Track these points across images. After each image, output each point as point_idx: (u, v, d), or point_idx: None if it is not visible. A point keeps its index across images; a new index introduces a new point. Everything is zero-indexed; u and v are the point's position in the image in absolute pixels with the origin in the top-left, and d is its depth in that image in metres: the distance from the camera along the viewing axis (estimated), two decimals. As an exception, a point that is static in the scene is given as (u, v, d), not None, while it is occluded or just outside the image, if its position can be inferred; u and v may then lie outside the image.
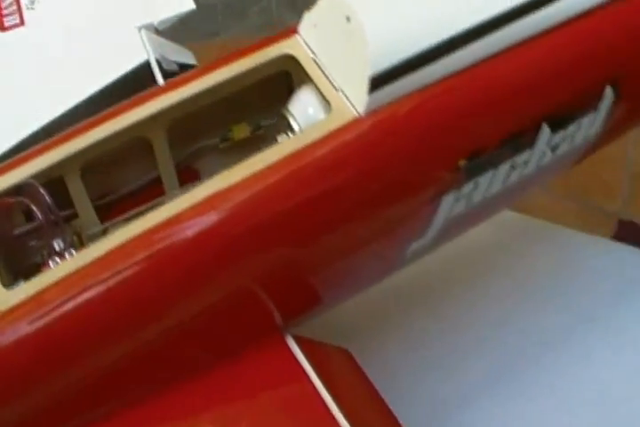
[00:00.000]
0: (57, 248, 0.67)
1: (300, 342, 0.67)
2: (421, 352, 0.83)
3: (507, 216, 0.91)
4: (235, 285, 0.65)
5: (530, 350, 0.84)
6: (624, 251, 0.92)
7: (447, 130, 0.66)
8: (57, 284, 0.62)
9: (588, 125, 0.71)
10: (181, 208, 0.63)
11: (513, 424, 0.80)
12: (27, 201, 0.68)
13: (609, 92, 0.71)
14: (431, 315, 0.86)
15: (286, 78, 0.71)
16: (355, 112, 0.64)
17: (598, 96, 0.71)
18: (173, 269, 0.63)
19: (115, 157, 0.72)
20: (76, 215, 0.73)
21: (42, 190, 0.66)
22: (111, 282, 0.62)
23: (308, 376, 0.65)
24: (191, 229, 0.63)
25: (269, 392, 0.67)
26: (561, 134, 0.70)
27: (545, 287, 0.87)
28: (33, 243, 0.70)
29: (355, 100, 0.64)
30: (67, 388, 0.64)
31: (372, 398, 0.70)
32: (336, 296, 0.74)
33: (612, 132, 0.76)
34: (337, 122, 0.64)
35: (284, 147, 0.64)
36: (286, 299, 0.69)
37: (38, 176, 0.67)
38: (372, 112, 0.64)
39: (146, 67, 0.86)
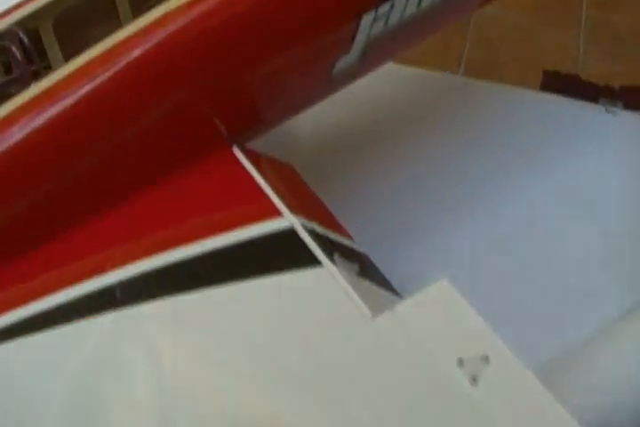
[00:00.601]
0: None
1: (247, 152, 0.76)
2: (360, 189, 0.91)
3: (438, 76, 1.00)
4: (180, 98, 0.73)
5: (463, 189, 0.92)
6: (548, 99, 1.01)
7: None
8: (23, 105, 0.71)
9: None
10: (128, 34, 0.72)
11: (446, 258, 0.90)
12: (8, 44, 0.77)
13: None
14: (371, 157, 0.94)
15: None
16: None
17: None
18: (126, 86, 0.72)
19: (83, 15, 0.81)
20: (49, 68, 0.82)
21: (21, 34, 0.76)
22: (71, 99, 0.70)
23: (254, 179, 0.72)
24: (139, 49, 0.71)
25: (217, 195, 0.74)
26: None
27: (476, 136, 0.95)
28: (12, 90, 0.79)
29: None
30: (36, 201, 0.72)
31: (317, 204, 0.78)
32: (274, 113, 0.82)
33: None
34: None
35: None
36: (227, 112, 0.76)
37: (16, 25, 0.77)
38: None
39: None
